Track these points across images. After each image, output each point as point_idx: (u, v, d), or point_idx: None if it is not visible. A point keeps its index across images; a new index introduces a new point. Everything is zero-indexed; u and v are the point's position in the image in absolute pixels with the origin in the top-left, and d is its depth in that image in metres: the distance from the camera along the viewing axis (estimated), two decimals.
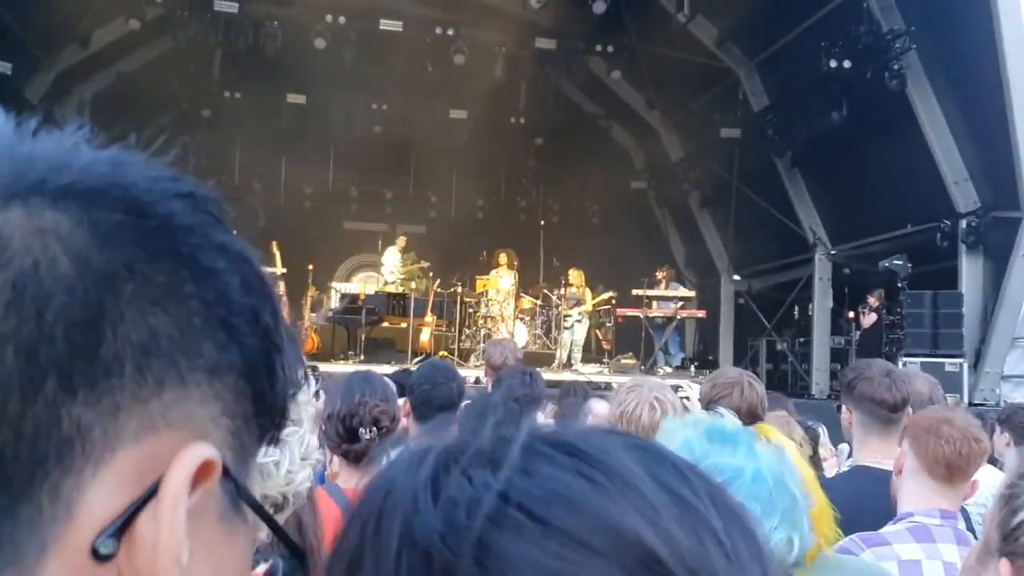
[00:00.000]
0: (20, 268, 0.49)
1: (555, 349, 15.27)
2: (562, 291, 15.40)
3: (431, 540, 0.50)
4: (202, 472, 0.52)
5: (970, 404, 11.01)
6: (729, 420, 1.60)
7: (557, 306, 15.34)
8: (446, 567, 0.49)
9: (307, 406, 1.44)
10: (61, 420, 0.49)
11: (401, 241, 16.73)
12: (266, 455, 1.33)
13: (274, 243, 14.33)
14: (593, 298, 15.52)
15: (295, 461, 1.37)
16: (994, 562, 1.18)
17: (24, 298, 0.48)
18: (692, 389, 3.99)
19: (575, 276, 15.52)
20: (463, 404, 4.15)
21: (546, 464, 0.53)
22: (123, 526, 0.49)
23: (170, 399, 0.52)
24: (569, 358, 15.13)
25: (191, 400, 0.53)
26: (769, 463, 1.45)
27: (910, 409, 3.48)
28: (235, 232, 0.59)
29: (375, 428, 2.70)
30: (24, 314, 0.48)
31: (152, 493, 0.50)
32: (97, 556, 0.49)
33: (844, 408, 3.62)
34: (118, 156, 0.58)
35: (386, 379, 3.02)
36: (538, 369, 5.34)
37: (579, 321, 15.34)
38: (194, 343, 0.53)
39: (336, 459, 2.73)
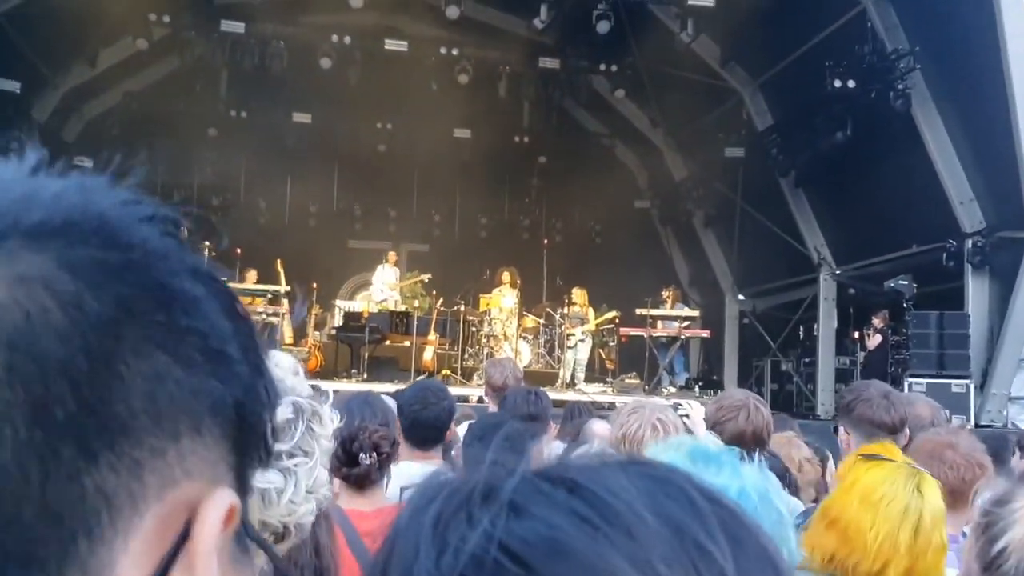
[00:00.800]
0: (12, 324, 0.45)
1: (558, 368, 15.22)
2: (565, 310, 15.37)
3: None
4: (226, 521, 0.50)
5: (977, 425, 10.95)
6: (712, 442, 1.62)
7: (560, 325, 15.30)
8: None
9: (321, 439, 1.41)
10: (85, 489, 0.45)
11: (392, 257, 16.68)
12: (268, 481, 1.30)
13: (279, 261, 14.34)
14: (596, 317, 15.48)
15: (300, 492, 1.34)
16: None
17: (23, 357, 0.44)
18: (692, 407, 3.96)
19: (578, 295, 15.49)
20: (467, 424, 4.12)
21: (542, 504, 0.50)
22: None
23: (186, 447, 0.49)
24: (572, 377, 15.08)
25: (204, 444, 0.50)
26: (754, 480, 1.45)
27: (907, 430, 3.47)
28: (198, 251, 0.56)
29: (375, 453, 2.67)
30: (27, 376, 0.44)
31: (178, 548, 0.48)
32: None
33: (842, 430, 3.61)
34: (83, 182, 0.52)
35: (386, 401, 2.99)
36: (541, 388, 5.32)
37: (582, 340, 15.29)
38: (199, 382, 0.50)
39: (336, 480, 2.71)
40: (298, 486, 1.34)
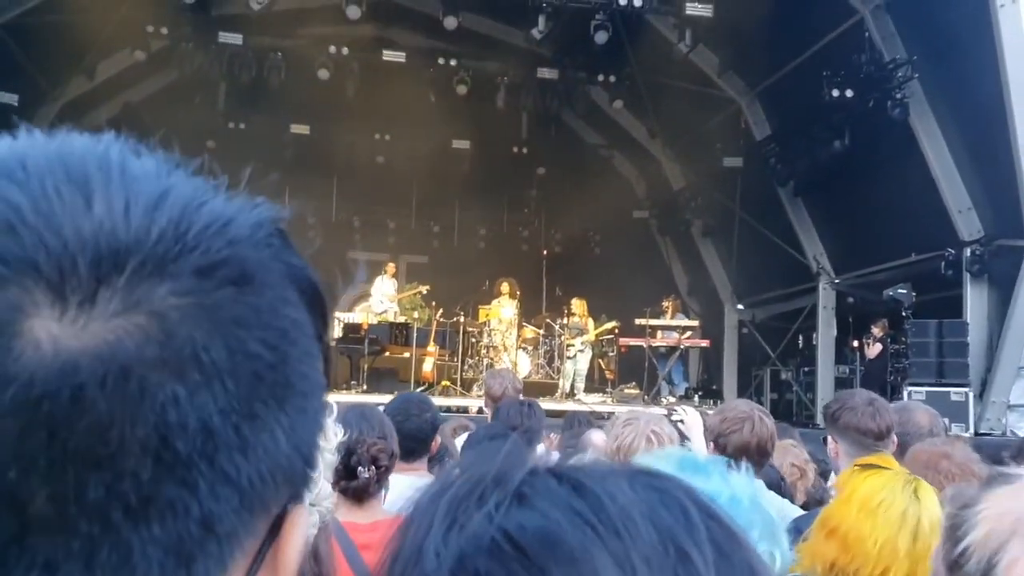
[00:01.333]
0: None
1: (558, 379, 15.19)
2: (565, 320, 15.36)
3: (428, 559, 0.55)
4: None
5: (976, 434, 10.93)
6: (699, 452, 1.67)
7: (560, 335, 15.29)
8: None
9: (325, 452, 1.40)
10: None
11: (390, 268, 16.67)
12: None
13: None
14: (596, 327, 15.47)
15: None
16: None
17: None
18: (687, 412, 3.95)
19: (578, 305, 15.48)
20: (465, 436, 4.11)
21: (545, 497, 0.56)
22: None
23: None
24: (572, 388, 15.06)
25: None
26: (742, 486, 1.48)
27: (895, 437, 3.47)
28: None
29: (374, 467, 2.66)
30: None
31: (263, 551, 0.51)
32: None
33: (830, 439, 3.62)
34: (218, 205, 0.54)
35: (383, 413, 2.98)
36: (541, 399, 5.32)
37: (582, 351, 15.28)
38: (319, 392, 0.55)
39: (334, 493, 2.69)
40: None
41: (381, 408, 3.43)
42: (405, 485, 3.31)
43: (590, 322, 15.49)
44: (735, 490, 1.45)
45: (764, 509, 1.47)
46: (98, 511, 0.42)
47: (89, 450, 0.42)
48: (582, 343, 15.21)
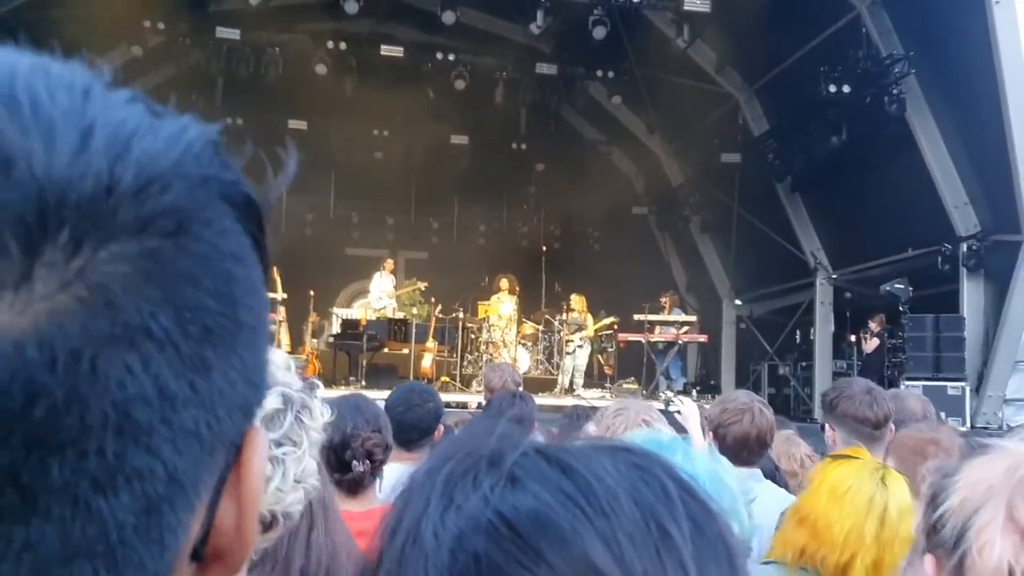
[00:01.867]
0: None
1: (557, 374, 15.22)
2: (564, 316, 15.38)
3: (427, 538, 0.58)
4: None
5: (972, 428, 10.96)
6: (664, 433, 1.69)
7: (559, 331, 15.30)
8: (426, 557, 0.57)
9: (311, 431, 1.42)
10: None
11: (388, 264, 16.67)
12: None
13: (275, 269, 14.33)
14: (594, 323, 15.49)
15: (288, 481, 1.35)
16: (919, 561, 1.23)
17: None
18: (684, 403, 3.97)
19: (577, 301, 15.50)
20: (460, 427, 4.12)
21: (537, 479, 0.59)
22: (210, 522, 0.50)
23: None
24: (571, 383, 15.08)
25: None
26: (704, 464, 1.52)
27: (892, 426, 3.49)
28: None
29: (368, 461, 2.67)
30: None
31: (223, 479, 0.50)
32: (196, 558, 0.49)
33: (828, 427, 3.64)
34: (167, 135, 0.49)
35: (377, 404, 2.98)
36: (541, 394, 5.34)
37: (581, 346, 15.30)
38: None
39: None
40: (286, 475, 1.35)
41: (381, 403, 3.44)
42: (405, 473, 3.32)
43: (589, 318, 15.52)
44: (697, 467, 1.49)
45: (726, 485, 1.51)
46: (66, 492, 0.42)
47: (49, 437, 0.41)
48: (581, 339, 15.23)
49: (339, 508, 2.54)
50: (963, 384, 11.79)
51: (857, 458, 2.36)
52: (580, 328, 15.30)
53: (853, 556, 2.14)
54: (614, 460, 0.61)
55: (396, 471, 3.22)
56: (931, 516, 1.19)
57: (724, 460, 1.62)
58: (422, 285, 16.52)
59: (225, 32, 15.98)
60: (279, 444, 1.35)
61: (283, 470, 1.34)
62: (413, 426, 3.61)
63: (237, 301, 0.48)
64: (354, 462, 2.63)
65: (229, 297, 0.47)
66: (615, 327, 15.70)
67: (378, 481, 2.80)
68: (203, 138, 0.50)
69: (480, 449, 0.63)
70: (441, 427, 3.82)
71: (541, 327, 16.06)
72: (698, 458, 1.51)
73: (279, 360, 1.47)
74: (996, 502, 1.10)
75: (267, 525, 1.36)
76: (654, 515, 0.58)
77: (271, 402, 1.35)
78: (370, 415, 2.78)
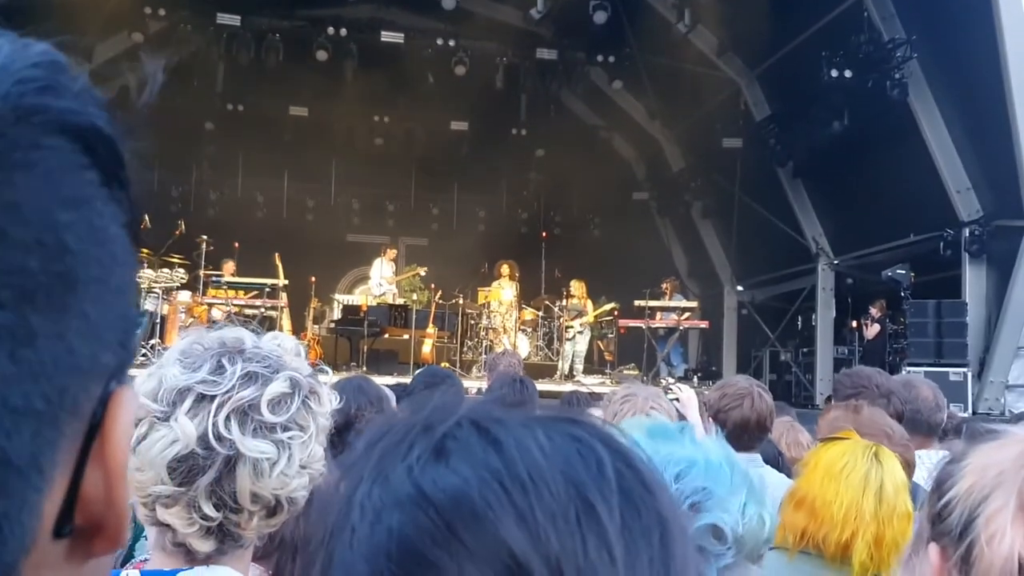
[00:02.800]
0: None
1: (557, 360, 15.23)
2: (564, 302, 15.37)
3: (354, 510, 0.58)
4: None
5: (974, 413, 10.97)
6: (664, 420, 1.68)
7: (559, 317, 15.31)
8: (352, 529, 0.57)
9: (319, 416, 1.42)
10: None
11: (390, 253, 16.66)
12: (260, 451, 1.31)
13: (277, 255, 14.34)
14: (595, 309, 15.49)
15: (293, 466, 1.35)
16: (924, 550, 1.20)
17: None
18: (682, 390, 3.98)
19: (577, 287, 15.50)
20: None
21: (462, 455, 0.57)
22: (74, 496, 0.46)
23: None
24: (571, 369, 15.09)
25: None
26: (716, 450, 1.50)
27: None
28: None
29: None
30: None
31: (86, 448, 0.46)
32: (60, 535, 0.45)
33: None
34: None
35: (380, 385, 2.98)
36: (540, 380, 5.33)
37: (581, 332, 15.31)
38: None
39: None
40: (291, 460, 1.34)
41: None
42: None
43: (589, 304, 15.52)
44: (709, 454, 1.47)
45: (744, 471, 1.49)
46: None
47: None
48: (581, 325, 15.24)
49: None
50: (965, 370, 11.79)
51: (848, 439, 2.37)
52: (580, 314, 15.30)
53: (854, 534, 2.16)
54: (550, 432, 0.59)
55: None
56: (937, 503, 1.16)
57: (729, 447, 1.60)
58: (422, 270, 16.51)
59: (225, 18, 15.95)
60: (286, 428, 1.35)
61: (288, 455, 1.34)
62: None
63: (70, 252, 0.43)
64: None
65: (57, 250, 0.42)
66: (616, 313, 15.69)
67: None
68: (24, 61, 0.44)
69: (413, 420, 0.61)
70: None
71: (541, 313, 16.07)
72: (708, 444, 1.49)
73: (289, 345, 1.47)
74: (1007, 489, 1.06)
75: (272, 510, 1.36)
76: (581, 490, 0.56)
77: (278, 386, 1.35)
78: (373, 396, 2.79)
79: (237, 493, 1.31)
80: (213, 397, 1.32)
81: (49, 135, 0.43)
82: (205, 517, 1.31)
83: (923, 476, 3.54)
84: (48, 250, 0.41)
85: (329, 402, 1.45)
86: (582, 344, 15.46)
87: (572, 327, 15.17)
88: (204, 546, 1.34)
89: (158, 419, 1.32)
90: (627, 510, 0.56)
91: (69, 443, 0.45)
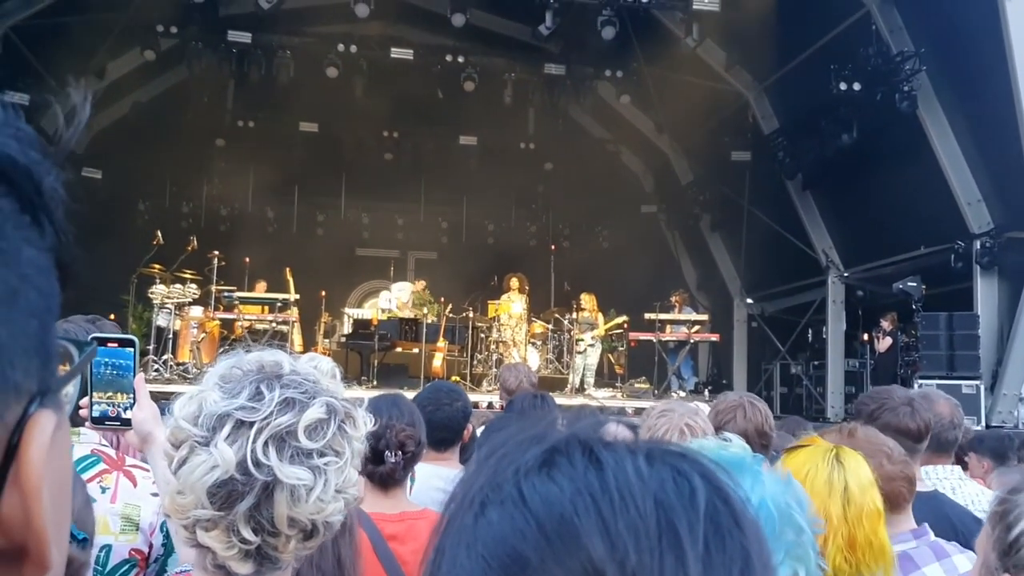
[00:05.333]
0: None
1: (567, 373, 15.22)
2: (574, 315, 15.38)
3: (464, 504, 0.63)
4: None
5: (987, 426, 10.93)
6: (737, 445, 1.60)
7: (569, 331, 15.31)
8: (461, 518, 0.63)
9: (355, 441, 1.44)
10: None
11: (420, 284, 16.74)
12: (297, 478, 1.34)
13: (288, 270, 14.41)
14: (605, 322, 15.49)
15: (329, 491, 1.37)
16: None
17: None
18: (700, 409, 4.00)
19: (587, 300, 15.49)
20: (482, 427, 4.12)
21: (565, 470, 0.62)
22: None
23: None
24: (582, 383, 15.09)
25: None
26: (774, 493, 1.45)
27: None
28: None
29: (400, 452, 2.70)
30: None
31: (4, 470, 0.47)
32: None
33: None
34: None
35: (413, 403, 3.01)
36: (551, 393, 5.33)
37: (592, 345, 15.31)
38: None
39: (361, 481, 2.71)
40: (327, 485, 1.37)
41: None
42: (434, 475, 3.34)
43: (600, 317, 15.52)
44: (767, 497, 1.42)
45: (795, 521, 1.44)
46: None
47: None
48: (592, 338, 15.24)
49: (371, 510, 2.57)
50: (977, 383, 11.75)
51: (809, 445, 2.36)
52: (591, 327, 15.30)
53: (825, 539, 2.12)
54: (652, 459, 0.63)
55: (428, 472, 3.25)
56: (1006, 535, 1.15)
57: (798, 487, 1.55)
58: (420, 284, 16.58)
59: (236, 36, 16.04)
60: (322, 454, 1.37)
61: (324, 480, 1.36)
62: (443, 425, 3.59)
63: None
64: (386, 452, 2.67)
65: None
66: (626, 326, 15.69)
67: (410, 482, 2.83)
68: None
69: (534, 433, 0.66)
70: (470, 427, 3.81)
71: (551, 326, 16.07)
72: (769, 485, 1.45)
73: (324, 367, 1.49)
74: None
75: (308, 534, 1.38)
76: (668, 512, 0.59)
77: (315, 412, 1.37)
78: (405, 411, 2.83)
79: (275, 518, 1.33)
80: (252, 423, 1.34)
81: None
82: (244, 541, 1.34)
83: (944, 489, 3.55)
84: None
85: (364, 425, 1.48)
86: (593, 357, 15.45)
87: (583, 340, 15.17)
88: (243, 568, 1.37)
89: (198, 443, 1.36)
90: (712, 540, 0.59)
91: None
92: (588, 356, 15.28)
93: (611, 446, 0.64)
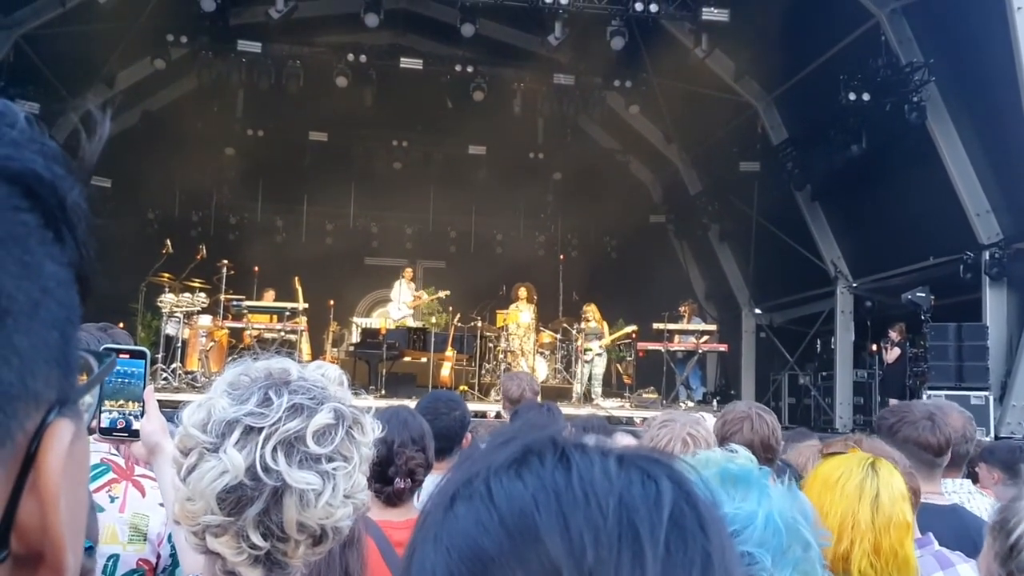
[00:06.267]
0: None
1: (575, 383, 15.20)
2: (581, 326, 15.36)
3: (444, 493, 0.66)
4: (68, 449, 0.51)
5: (997, 438, 10.87)
6: (743, 457, 1.59)
7: (576, 340, 15.29)
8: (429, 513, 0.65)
9: (363, 446, 1.45)
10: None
11: (408, 273, 16.69)
12: (307, 483, 1.35)
13: (296, 279, 14.45)
14: (613, 332, 15.47)
15: (338, 496, 1.38)
16: None
17: None
18: (704, 419, 3.99)
19: (591, 310, 15.46)
20: (490, 435, 4.11)
21: (534, 470, 0.62)
22: (9, 523, 0.48)
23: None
24: (590, 392, 15.06)
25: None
26: (781, 507, 1.44)
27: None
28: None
29: (410, 480, 2.70)
30: None
31: (23, 477, 0.48)
32: None
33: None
34: None
35: (424, 421, 2.98)
36: (559, 403, 5.34)
37: (599, 355, 15.28)
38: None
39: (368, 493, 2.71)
40: (336, 490, 1.37)
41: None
42: (433, 484, 3.34)
43: (605, 326, 15.50)
44: (773, 511, 1.42)
45: (802, 536, 1.43)
46: None
47: None
48: (599, 347, 15.21)
49: (379, 518, 2.58)
50: (987, 394, 11.68)
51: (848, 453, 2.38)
52: (598, 336, 15.27)
53: (852, 543, 2.15)
54: (623, 462, 0.63)
55: (432, 481, 3.25)
56: (1005, 542, 1.15)
57: (806, 503, 1.54)
58: (443, 294, 16.54)
59: (246, 45, 16.14)
60: (330, 459, 1.38)
61: (333, 485, 1.37)
62: (441, 435, 3.59)
63: None
64: (396, 479, 2.66)
65: None
66: (634, 336, 15.66)
67: (416, 494, 2.83)
68: None
69: (511, 434, 0.68)
70: (469, 435, 3.81)
71: (559, 336, 16.06)
72: (776, 498, 1.44)
73: (332, 374, 1.50)
74: None
75: (318, 539, 1.39)
76: (630, 513, 0.59)
77: (323, 418, 1.38)
78: (416, 433, 2.81)
79: (284, 523, 1.34)
80: (260, 429, 1.35)
81: None
82: (253, 546, 1.34)
83: (959, 502, 3.54)
84: None
85: (372, 431, 1.48)
86: (600, 367, 15.41)
87: (590, 349, 15.15)
88: (253, 574, 1.37)
89: (208, 450, 1.36)
90: (674, 542, 0.59)
91: (2, 471, 0.47)
92: (595, 365, 15.26)
93: (584, 448, 0.64)
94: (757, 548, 1.39)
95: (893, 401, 12.50)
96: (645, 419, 10.01)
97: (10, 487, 0.47)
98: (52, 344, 0.49)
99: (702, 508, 0.62)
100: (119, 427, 1.86)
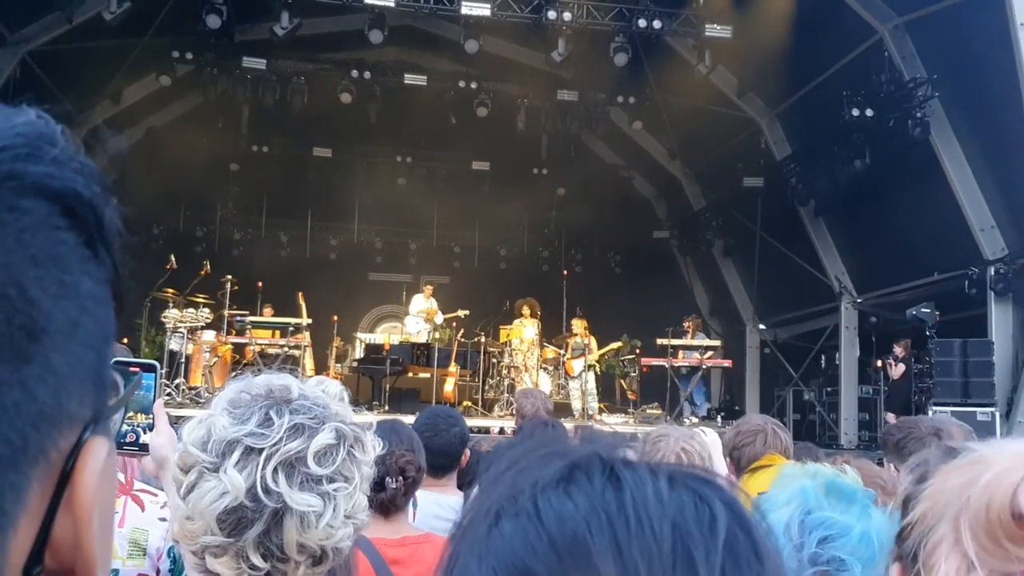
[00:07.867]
0: None
1: (569, 400, 15.12)
2: (567, 341, 15.33)
3: (485, 503, 0.63)
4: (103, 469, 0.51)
5: None
6: (851, 476, 1.62)
7: (563, 355, 15.28)
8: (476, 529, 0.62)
9: (363, 465, 1.44)
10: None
11: (428, 290, 16.74)
12: (308, 505, 1.33)
13: (300, 294, 14.45)
14: (608, 346, 15.43)
15: (339, 517, 1.37)
16: (893, 566, 1.18)
17: None
18: (707, 434, 3.97)
19: (578, 324, 15.41)
20: (491, 449, 4.10)
21: (583, 490, 0.60)
22: (44, 539, 0.48)
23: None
24: (585, 408, 14.98)
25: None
26: (879, 526, 1.45)
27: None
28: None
29: (401, 478, 2.69)
30: None
31: (59, 494, 0.48)
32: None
33: (891, 466, 3.60)
34: None
35: (412, 429, 3.01)
36: (562, 418, 5.33)
37: (587, 369, 15.19)
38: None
39: None
40: (336, 511, 1.36)
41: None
42: (433, 502, 3.33)
43: (593, 340, 15.44)
44: (871, 528, 1.44)
45: (875, 555, 1.46)
46: None
47: None
48: (586, 364, 15.10)
49: (372, 535, 2.56)
50: (992, 409, 11.64)
51: (771, 465, 2.35)
52: (584, 352, 15.19)
53: None
54: (674, 483, 0.61)
55: (424, 497, 3.23)
56: (900, 523, 1.14)
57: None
58: (462, 313, 16.52)
59: (251, 62, 16.23)
60: (331, 480, 1.37)
61: (334, 506, 1.36)
62: (440, 451, 3.57)
63: (35, 305, 0.45)
64: (387, 479, 2.65)
65: (21, 302, 0.45)
66: (638, 351, 15.63)
67: (412, 507, 2.81)
68: (8, 131, 0.49)
69: (557, 448, 0.65)
70: (468, 452, 3.79)
71: (562, 351, 16.03)
72: (876, 519, 1.46)
73: (333, 390, 1.49)
74: (947, 521, 1.03)
75: (318, 559, 1.38)
76: (685, 539, 0.57)
77: (324, 438, 1.37)
78: (405, 437, 2.82)
79: (284, 544, 1.33)
80: (261, 450, 1.34)
81: (25, 198, 0.46)
82: (253, 567, 1.33)
83: None
84: (11, 302, 0.44)
85: (373, 449, 1.47)
86: (590, 382, 15.33)
87: (574, 365, 15.09)
88: None
89: (207, 469, 1.35)
90: (730, 570, 0.57)
91: (38, 488, 0.47)
92: (586, 381, 15.17)
93: (632, 465, 0.62)
94: (849, 556, 1.44)
95: (891, 416, 12.48)
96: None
97: (46, 504, 0.48)
98: (88, 363, 0.50)
99: (757, 535, 0.61)
100: (128, 440, 1.85)
